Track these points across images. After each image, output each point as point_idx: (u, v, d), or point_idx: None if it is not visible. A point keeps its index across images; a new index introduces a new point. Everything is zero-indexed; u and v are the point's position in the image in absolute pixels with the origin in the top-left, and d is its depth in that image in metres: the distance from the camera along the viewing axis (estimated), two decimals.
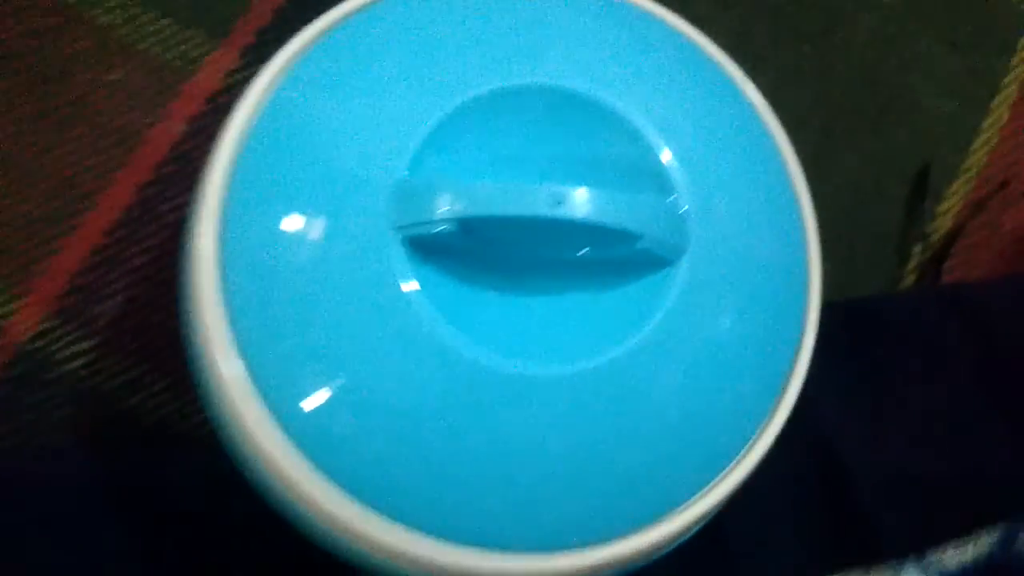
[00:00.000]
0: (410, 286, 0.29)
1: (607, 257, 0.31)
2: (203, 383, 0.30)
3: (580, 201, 0.28)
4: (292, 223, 0.30)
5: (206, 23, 0.44)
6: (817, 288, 0.34)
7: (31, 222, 0.41)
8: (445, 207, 0.28)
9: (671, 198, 0.31)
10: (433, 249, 0.29)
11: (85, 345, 0.40)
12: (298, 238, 0.30)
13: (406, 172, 0.29)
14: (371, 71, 0.32)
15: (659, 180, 0.31)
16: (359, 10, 0.34)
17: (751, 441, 0.32)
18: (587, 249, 0.31)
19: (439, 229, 0.29)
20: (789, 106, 0.35)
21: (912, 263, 0.45)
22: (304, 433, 0.29)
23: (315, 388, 0.29)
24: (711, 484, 0.31)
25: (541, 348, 0.30)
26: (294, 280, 0.29)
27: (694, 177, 0.31)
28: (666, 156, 0.31)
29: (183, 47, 0.44)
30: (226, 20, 0.44)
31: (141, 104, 0.43)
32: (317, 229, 0.29)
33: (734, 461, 0.31)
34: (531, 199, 0.28)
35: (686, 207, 0.31)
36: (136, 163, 0.42)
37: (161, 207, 0.41)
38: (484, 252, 0.30)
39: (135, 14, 0.44)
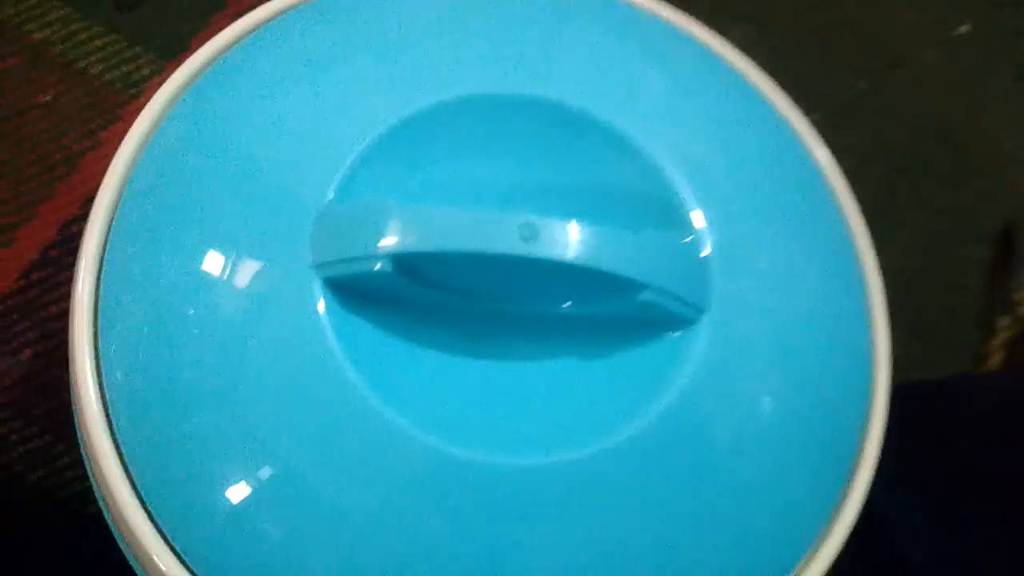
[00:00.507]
0: (332, 345, 0.22)
1: (598, 314, 0.24)
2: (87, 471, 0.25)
3: (560, 236, 0.21)
4: (183, 267, 0.23)
5: (156, 42, 0.39)
6: (885, 365, 0.27)
7: None
8: (379, 240, 0.22)
9: (687, 239, 0.23)
10: (366, 296, 0.23)
11: None
12: (197, 285, 0.23)
13: (331, 196, 0.23)
14: (299, 79, 0.25)
15: (671, 216, 0.24)
16: (289, 8, 0.27)
17: (802, 560, 0.24)
18: (570, 303, 0.24)
19: (372, 269, 0.22)
20: (843, 152, 0.29)
21: (999, 338, 0.39)
22: (190, 543, 0.22)
23: (200, 490, 0.22)
24: None
25: (509, 434, 0.23)
26: (188, 343, 0.23)
27: (719, 216, 0.24)
28: (682, 188, 0.24)
29: (127, 67, 0.38)
30: (179, 38, 0.39)
31: (74, 128, 0.37)
32: (216, 273, 0.23)
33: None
34: (495, 231, 0.21)
35: (707, 252, 0.24)
36: (63, 195, 0.36)
37: None
38: (434, 303, 0.23)
39: (75, 29, 0.38)
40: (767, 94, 0.29)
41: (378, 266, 0.22)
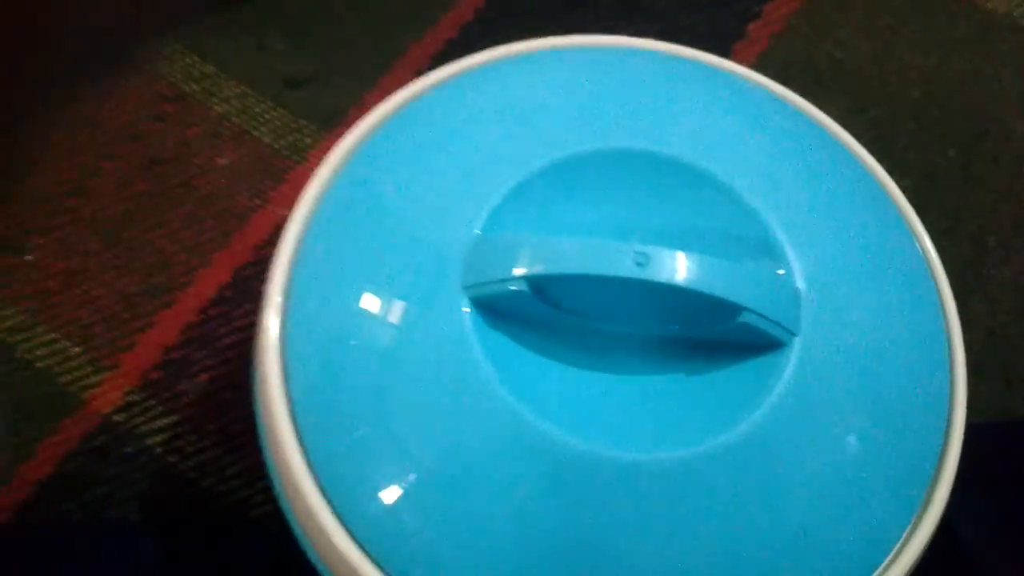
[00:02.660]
0: (477, 353, 0.26)
1: (701, 336, 0.27)
2: (271, 473, 0.28)
3: (669, 263, 0.25)
4: (357, 295, 0.27)
5: (318, 115, 0.44)
6: (962, 402, 0.28)
7: (129, 296, 0.41)
8: (517, 264, 0.26)
9: (781, 272, 0.27)
10: (505, 315, 0.27)
11: (166, 421, 0.38)
12: (363, 312, 0.27)
13: (478, 232, 0.27)
14: (449, 139, 0.30)
15: (767, 253, 0.27)
16: (439, 84, 0.32)
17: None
18: (676, 326, 0.27)
19: (510, 289, 0.26)
20: (932, 213, 0.31)
21: None
22: (371, 532, 0.26)
23: (381, 482, 0.26)
24: None
25: (622, 433, 0.26)
26: (358, 360, 0.27)
27: (810, 257, 0.28)
28: (777, 230, 0.28)
29: (293, 137, 0.44)
30: (338, 112, 0.44)
31: (247, 189, 0.43)
32: (384, 301, 0.27)
33: None
34: (613, 258, 0.25)
35: (800, 285, 0.27)
36: (236, 244, 0.42)
37: (257, 288, 0.40)
38: (561, 323, 0.27)
39: (249, 104, 0.45)
40: (860, 157, 0.32)
41: (515, 287, 0.26)
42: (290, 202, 0.29)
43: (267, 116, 0.44)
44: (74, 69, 0.45)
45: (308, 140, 0.44)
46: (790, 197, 0.29)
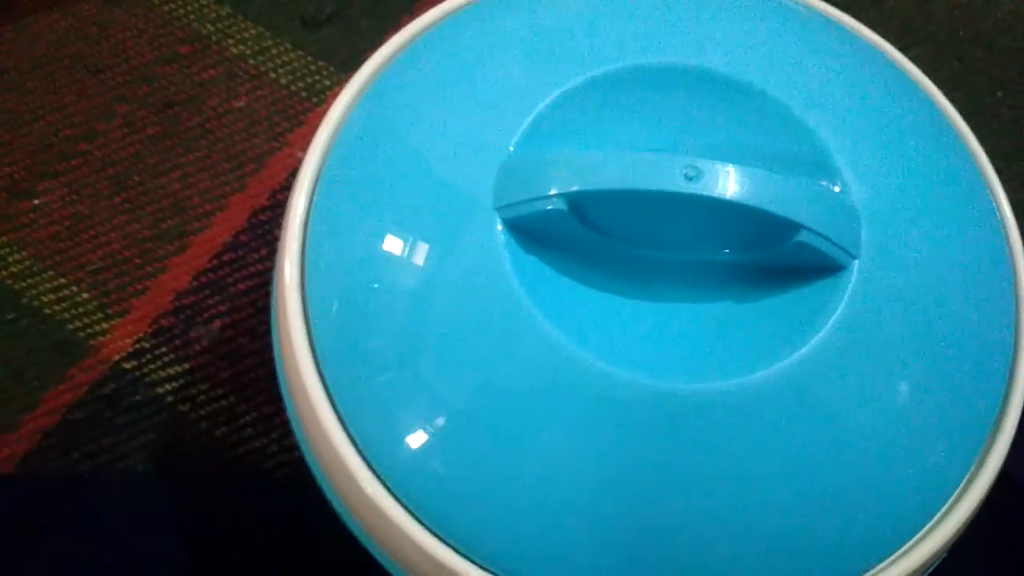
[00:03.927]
0: (511, 278, 0.24)
1: (753, 260, 0.25)
2: (293, 422, 0.27)
3: (722, 177, 0.23)
4: (379, 230, 0.26)
5: (338, 56, 0.43)
6: None
7: (141, 241, 0.39)
8: (555, 181, 0.24)
9: (838, 188, 0.25)
10: (541, 239, 0.25)
11: (177, 369, 0.37)
12: (387, 248, 0.25)
13: (511, 149, 0.25)
14: (474, 65, 0.28)
15: (822, 171, 0.25)
16: (459, 9, 0.30)
17: (937, 515, 0.25)
18: (727, 250, 0.25)
19: (546, 208, 0.24)
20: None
21: None
22: (404, 479, 0.24)
23: (413, 425, 0.24)
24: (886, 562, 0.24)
25: (668, 363, 0.24)
26: (382, 298, 0.25)
27: (867, 176, 0.26)
28: (832, 148, 0.26)
29: (312, 79, 0.42)
30: (358, 54, 0.42)
31: (264, 131, 0.41)
32: (408, 234, 0.25)
33: (914, 537, 0.25)
34: (659, 172, 0.23)
35: (858, 198, 0.25)
36: (252, 188, 0.40)
37: (274, 232, 0.39)
38: (602, 248, 0.25)
39: (267, 46, 0.43)
40: (917, 80, 0.30)
41: (552, 206, 0.24)
42: (304, 146, 0.27)
43: (284, 58, 0.43)
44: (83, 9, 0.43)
45: (327, 82, 0.42)
46: (844, 115, 0.27)
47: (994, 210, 0.28)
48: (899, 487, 0.24)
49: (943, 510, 0.25)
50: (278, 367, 0.27)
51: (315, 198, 0.27)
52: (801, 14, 0.30)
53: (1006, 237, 0.28)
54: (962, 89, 0.42)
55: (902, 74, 0.29)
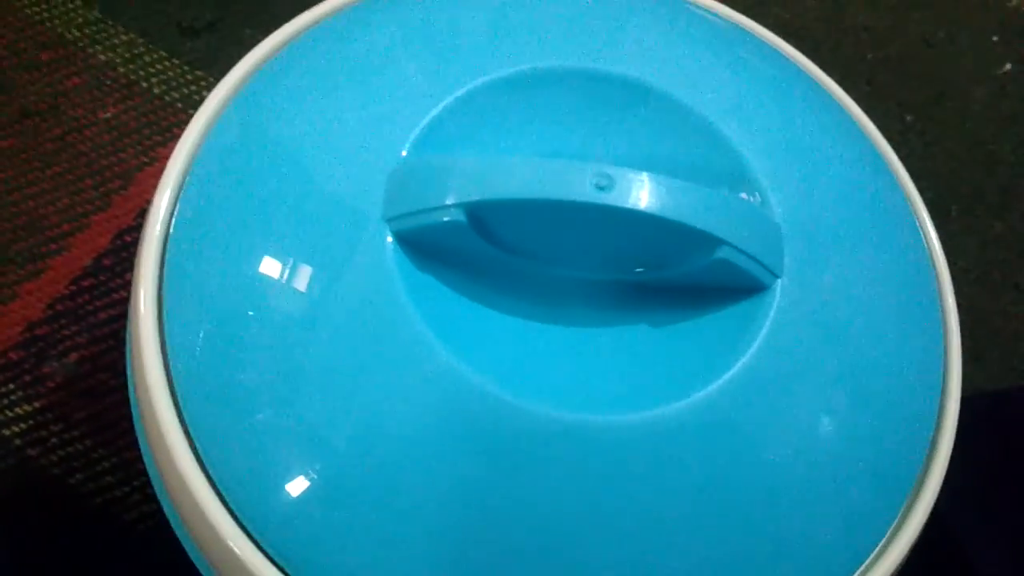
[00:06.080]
0: (403, 299, 0.21)
1: (669, 280, 0.23)
2: (150, 469, 0.24)
3: (637, 186, 0.21)
4: (250, 250, 0.22)
5: (216, 67, 0.39)
6: (957, 359, 0.25)
7: None
8: (451, 189, 0.21)
9: (757, 199, 0.23)
10: (437, 256, 0.22)
11: (27, 408, 0.33)
12: (259, 270, 0.22)
13: (404, 155, 0.22)
14: (359, 67, 0.25)
15: (741, 184, 0.23)
16: (340, 8, 0.27)
17: (866, 561, 0.23)
18: (641, 269, 0.23)
19: (443, 219, 0.21)
20: None
21: None
22: (276, 533, 0.21)
23: (287, 472, 0.21)
24: None
25: (574, 393, 0.22)
26: (254, 327, 0.22)
27: (788, 190, 0.24)
28: (750, 159, 0.24)
29: (187, 89, 0.39)
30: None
31: (133, 144, 0.37)
32: (284, 252, 0.22)
33: None
34: (569, 180, 0.21)
35: (779, 213, 0.23)
36: (118, 207, 0.36)
37: None
38: (505, 267, 0.23)
39: (139, 53, 0.39)
40: (831, 91, 0.29)
41: (449, 217, 0.21)
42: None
43: (158, 67, 0.39)
44: None
45: (205, 93, 0.39)
46: (762, 128, 0.25)
47: (918, 230, 0.26)
48: (824, 531, 0.22)
49: (871, 557, 0.23)
50: (133, 409, 0.24)
51: (176, 214, 0.24)
52: (716, 24, 0.28)
53: (930, 257, 0.26)
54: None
55: (820, 88, 0.28)
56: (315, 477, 0.21)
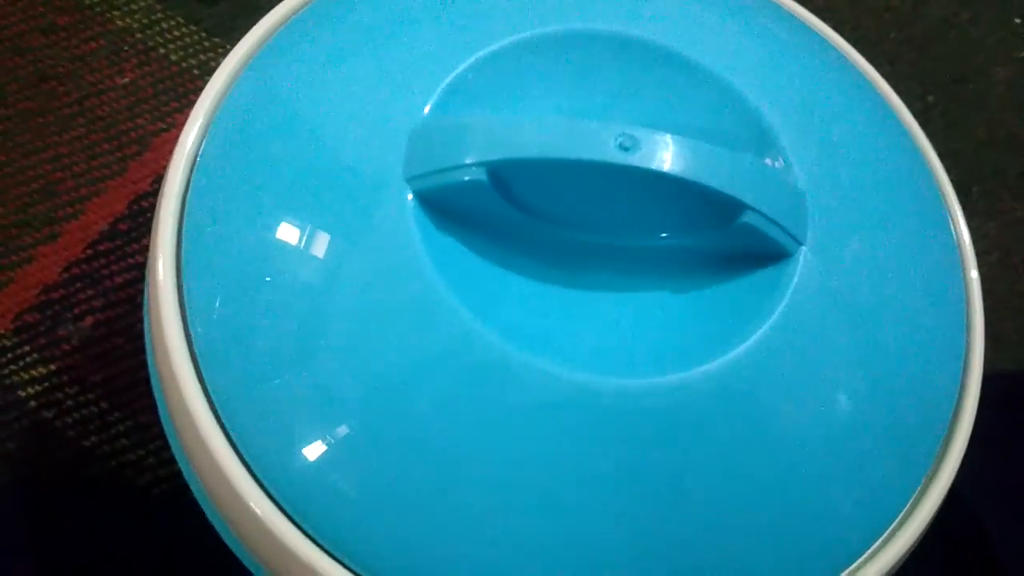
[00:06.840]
0: (423, 260, 0.21)
1: (692, 246, 0.23)
2: (169, 433, 0.24)
3: (661, 148, 0.21)
4: (268, 213, 0.22)
5: (234, 34, 0.39)
6: (979, 327, 0.25)
7: (4, 227, 0.35)
8: (473, 148, 0.21)
9: (781, 165, 0.23)
10: (458, 217, 0.22)
11: (42, 370, 0.33)
12: (277, 232, 0.22)
13: (425, 114, 0.22)
14: (390, 18, 0.25)
15: (766, 150, 0.23)
16: None
17: (882, 536, 0.23)
18: (665, 234, 0.23)
19: (465, 179, 0.21)
20: None
21: None
22: (298, 496, 0.21)
23: (309, 435, 0.21)
24: None
25: (595, 357, 0.21)
26: (273, 289, 0.22)
27: (812, 158, 0.24)
28: (776, 126, 0.24)
29: (205, 56, 0.39)
30: None
31: (150, 111, 0.37)
32: (303, 214, 0.22)
33: (856, 561, 0.22)
34: (592, 140, 0.21)
35: (802, 181, 0.23)
36: (134, 172, 0.36)
37: None
38: (527, 230, 0.23)
39: (157, 19, 0.39)
40: (858, 63, 0.28)
41: (471, 176, 0.21)
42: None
43: (176, 33, 0.39)
44: None
45: (222, 60, 0.39)
46: (788, 96, 0.25)
47: (943, 206, 0.26)
48: (843, 503, 0.22)
49: (888, 531, 0.23)
50: (151, 371, 0.24)
51: (194, 179, 0.24)
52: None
53: (954, 233, 0.26)
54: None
55: (846, 59, 0.28)
56: (335, 437, 0.21)
